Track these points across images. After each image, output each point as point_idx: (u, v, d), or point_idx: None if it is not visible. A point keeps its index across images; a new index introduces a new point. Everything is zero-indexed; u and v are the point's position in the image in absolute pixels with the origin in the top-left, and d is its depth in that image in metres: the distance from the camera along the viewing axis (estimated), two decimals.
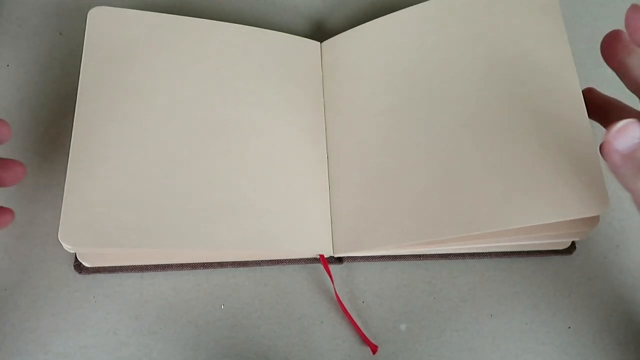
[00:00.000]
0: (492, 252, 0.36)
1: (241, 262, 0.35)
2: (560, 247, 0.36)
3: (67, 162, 0.33)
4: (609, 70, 0.40)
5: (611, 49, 0.29)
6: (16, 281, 0.38)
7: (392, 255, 0.36)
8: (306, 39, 0.40)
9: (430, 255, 0.36)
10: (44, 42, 0.44)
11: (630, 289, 0.37)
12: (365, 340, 0.34)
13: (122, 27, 0.36)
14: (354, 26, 0.39)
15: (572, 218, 0.29)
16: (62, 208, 0.31)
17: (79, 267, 0.36)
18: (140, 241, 0.31)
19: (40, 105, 0.42)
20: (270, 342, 0.35)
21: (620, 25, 0.42)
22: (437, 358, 0.34)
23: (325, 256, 0.35)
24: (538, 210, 0.30)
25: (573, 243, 0.36)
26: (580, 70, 0.40)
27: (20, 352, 0.36)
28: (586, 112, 0.31)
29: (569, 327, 0.35)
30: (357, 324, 0.34)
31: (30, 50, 0.44)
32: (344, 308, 0.35)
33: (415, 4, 0.37)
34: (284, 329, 0.36)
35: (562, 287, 0.36)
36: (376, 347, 0.34)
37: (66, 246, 0.31)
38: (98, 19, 0.36)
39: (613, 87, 0.39)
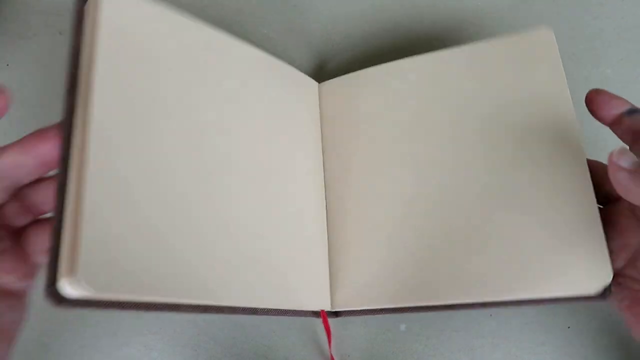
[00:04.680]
0: (510, 301, 0.31)
1: (251, 309, 0.31)
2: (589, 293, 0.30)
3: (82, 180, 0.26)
4: (609, 70, 0.40)
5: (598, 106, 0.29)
6: None
7: (392, 308, 0.33)
8: (308, 77, 0.38)
9: (435, 307, 0.32)
10: (44, 42, 0.44)
11: None
12: None
13: (141, 23, 0.29)
14: (353, 71, 0.37)
15: (573, 294, 0.29)
16: (82, 238, 0.23)
17: (57, 296, 0.24)
18: (167, 292, 0.26)
19: (41, 105, 0.42)
20: (271, 342, 0.35)
21: (620, 23, 0.42)
22: (437, 358, 0.34)
23: (325, 310, 0.33)
24: (539, 284, 0.29)
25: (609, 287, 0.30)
26: (581, 70, 0.40)
27: (20, 352, 0.36)
28: (589, 179, 0.30)
29: (569, 327, 0.35)
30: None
31: (30, 50, 0.44)
32: None
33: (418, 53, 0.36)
34: (284, 329, 0.36)
35: None
36: None
37: (82, 287, 0.23)
38: (114, 9, 0.27)
39: (614, 88, 0.39)
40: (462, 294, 0.30)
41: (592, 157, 0.30)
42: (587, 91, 0.30)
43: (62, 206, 0.24)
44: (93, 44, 0.26)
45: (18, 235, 0.27)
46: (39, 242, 0.27)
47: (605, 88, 0.39)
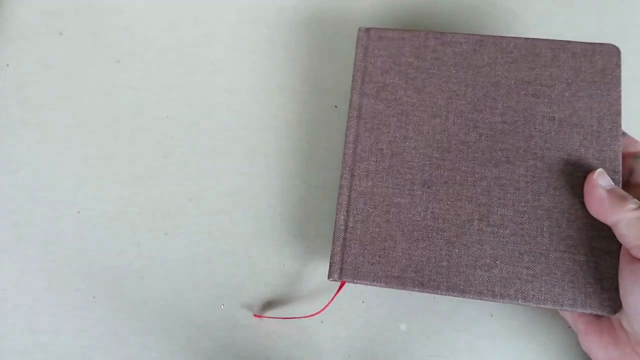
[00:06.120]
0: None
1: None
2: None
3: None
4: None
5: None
6: (15, 281, 0.38)
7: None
8: None
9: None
10: (44, 42, 0.44)
11: None
12: None
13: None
14: None
15: (582, 312, 0.30)
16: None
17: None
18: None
19: (40, 105, 0.42)
20: (270, 342, 0.35)
21: (621, 23, 0.42)
22: (437, 358, 0.34)
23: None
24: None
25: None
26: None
27: (21, 352, 0.36)
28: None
29: (569, 327, 0.35)
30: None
31: (30, 50, 0.44)
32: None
33: None
34: (284, 329, 0.36)
35: None
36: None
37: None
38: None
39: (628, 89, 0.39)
40: (479, 294, 0.31)
41: None
42: None
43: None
44: None
45: None
46: None
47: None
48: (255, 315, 0.36)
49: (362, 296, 0.36)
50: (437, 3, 0.43)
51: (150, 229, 0.39)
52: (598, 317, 0.31)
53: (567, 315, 0.33)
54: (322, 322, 0.36)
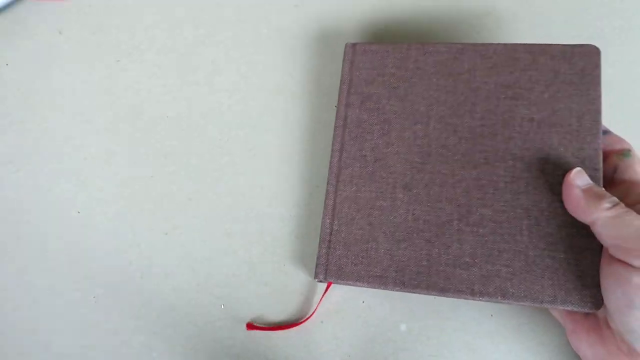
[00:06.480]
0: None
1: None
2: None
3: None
4: (611, 71, 0.40)
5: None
6: (15, 281, 0.38)
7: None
8: None
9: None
10: (44, 42, 0.44)
11: None
12: None
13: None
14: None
15: (563, 308, 0.31)
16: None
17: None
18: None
19: (40, 105, 0.42)
20: (271, 342, 0.35)
21: (620, 22, 0.42)
22: (438, 358, 0.34)
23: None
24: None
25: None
26: (623, 69, 0.40)
27: (22, 352, 0.36)
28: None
29: None
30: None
31: (30, 50, 0.44)
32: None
33: None
34: (285, 329, 0.36)
35: None
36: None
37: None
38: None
39: (615, 88, 0.39)
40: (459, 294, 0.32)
41: None
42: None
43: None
44: None
45: None
46: None
47: (606, 88, 0.39)
48: (248, 328, 0.36)
49: (362, 296, 0.36)
50: (426, 18, 0.43)
51: (150, 229, 0.39)
52: (585, 315, 0.31)
53: (556, 313, 0.33)
54: (322, 322, 0.36)
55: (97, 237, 0.39)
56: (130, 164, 0.41)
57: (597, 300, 0.30)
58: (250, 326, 0.36)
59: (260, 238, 0.38)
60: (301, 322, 0.35)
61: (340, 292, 0.36)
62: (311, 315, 0.35)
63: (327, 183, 0.35)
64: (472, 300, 0.35)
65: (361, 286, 0.33)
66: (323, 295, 0.35)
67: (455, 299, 0.35)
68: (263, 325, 0.36)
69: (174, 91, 0.42)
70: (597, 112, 0.33)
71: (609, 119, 0.36)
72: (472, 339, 0.35)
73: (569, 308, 0.30)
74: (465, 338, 0.35)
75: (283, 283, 0.37)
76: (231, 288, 0.37)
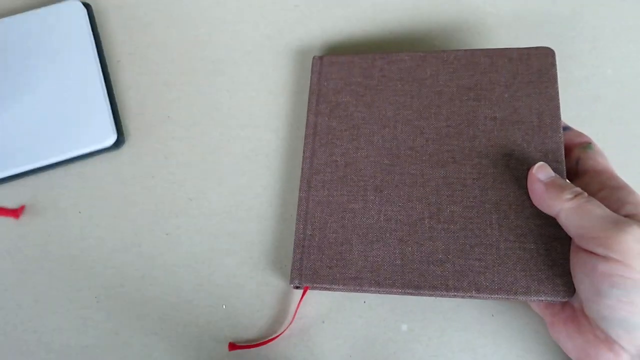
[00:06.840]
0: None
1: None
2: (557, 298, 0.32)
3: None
4: (610, 70, 0.40)
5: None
6: (16, 281, 0.38)
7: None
8: None
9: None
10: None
11: None
12: None
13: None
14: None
15: (536, 300, 0.31)
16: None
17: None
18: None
19: None
20: (271, 342, 0.35)
21: (621, 22, 0.42)
22: (439, 358, 0.34)
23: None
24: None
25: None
26: (582, 70, 0.40)
27: (22, 351, 0.36)
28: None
29: None
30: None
31: None
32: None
33: None
34: (285, 330, 0.36)
35: None
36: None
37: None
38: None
39: (614, 88, 0.39)
40: (434, 291, 0.33)
41: None
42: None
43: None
44: None
45: None
46: None
47: (605, 88, 0.39)
48: (230, 348, 0.35)
49: (363, 296, 0.36)
50: (392, 32, 0.43)
51: (151, 229, 0.39)
52: (562, 307, 0.31)
53: (535, 307, 0.33)
54: (323, 322, 0.36)
55: (99, 237, 0.39)
56: (130, 164, 0.41)
57: (569, 289, 0.30)
58: (232, 347, 0.35)
59: (261, 238, 0.38)
60: (280, 334, 0.35)
61: (341, 292, 0.36)
62: (289, 324, 0.35)
63: (299, 190, 0.36)
64: (480, 300, 0.35)
65: (337, 289, 0.34)
66: (300, 301, 0.35)
67: (455, 299, 0.35)
68: (247, 344, 0.36)
69: (174, 91, 0.42)
70: (556, 108, 0.35)
71: (569, 117, 0.38)
72: (473, 339, 0.35)
73: (542, 299, 0.31)
74: (466, 338, 0.35)
75: (283, 283, 0.37)
76: (232, 288, 0.37)
